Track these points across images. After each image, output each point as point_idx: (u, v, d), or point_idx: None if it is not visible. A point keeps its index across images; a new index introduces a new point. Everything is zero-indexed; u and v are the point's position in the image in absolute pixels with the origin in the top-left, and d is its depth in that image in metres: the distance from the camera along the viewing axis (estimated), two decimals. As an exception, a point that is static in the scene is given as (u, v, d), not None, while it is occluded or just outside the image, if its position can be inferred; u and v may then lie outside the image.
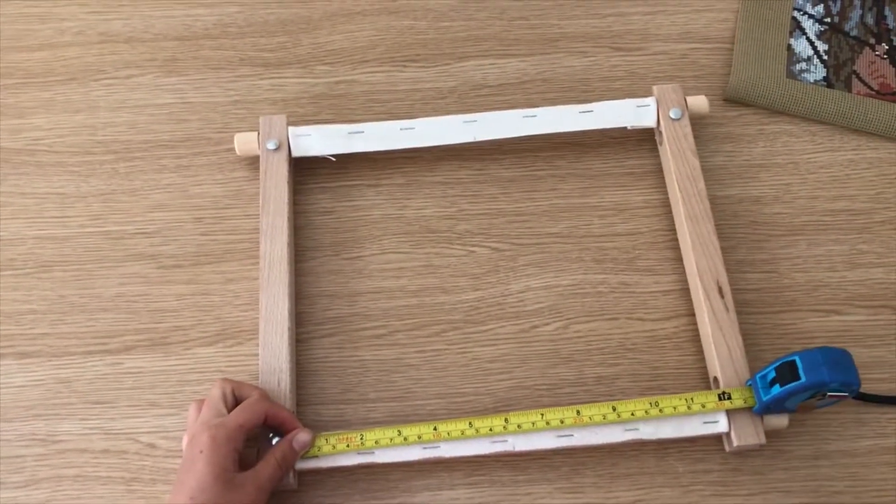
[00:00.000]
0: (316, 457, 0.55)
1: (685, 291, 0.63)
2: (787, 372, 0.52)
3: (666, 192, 0.66)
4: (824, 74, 0.70)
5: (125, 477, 0.57)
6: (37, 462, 0.58)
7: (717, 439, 0.58)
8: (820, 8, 0.73)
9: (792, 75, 0.70)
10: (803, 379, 0.51)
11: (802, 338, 0.61)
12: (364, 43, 0.72)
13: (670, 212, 0.65)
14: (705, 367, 0.60)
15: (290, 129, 0.64)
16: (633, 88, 0.70)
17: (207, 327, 0.62)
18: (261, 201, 0.62)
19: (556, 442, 0.55)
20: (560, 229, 0.65)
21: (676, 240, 0.64)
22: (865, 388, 0.59)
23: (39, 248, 0.64)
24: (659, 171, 0.67)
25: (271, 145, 0.64)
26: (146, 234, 0.65)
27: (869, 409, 0.59)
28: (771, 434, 0.57)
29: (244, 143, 0.65)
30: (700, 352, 0.61)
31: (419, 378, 0.60)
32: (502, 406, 0.59)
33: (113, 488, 0.57)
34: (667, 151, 0.64)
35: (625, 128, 0.65)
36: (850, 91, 0.69)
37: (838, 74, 0.70)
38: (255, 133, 0.65)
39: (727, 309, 0.59)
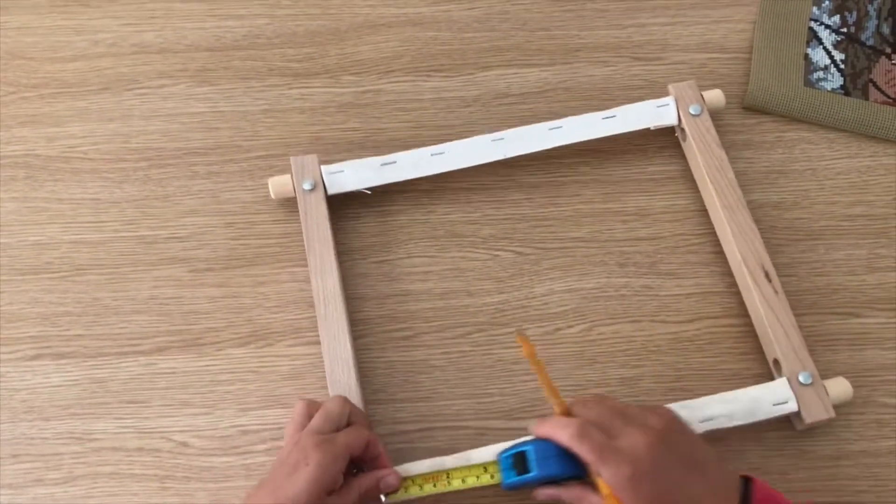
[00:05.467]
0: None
1: (706, 294, 0.64)
2: (518, 462, 0.52)
3: (687, 198, 0.67)
4: (841, 83, 0.71)
5: (158, 475, 0.59)
6: (74, 460, 0.59)
7: (741, 439, 0.59)
8: (836, 18, 0.74)
9: (809, 84, 0.71)
10: (534, 472, 0.51)
11: (822, 340, 0.62)
12: (389, 53, 0.74)
13: (691, 217, 0.66)
14: (728, 368, 0.61)
15: (323, 167, 0.65)
16: (653, 97, 0.71)
17: (239, 329, 0.63)
18: (305, 242, 0.63)
19: None
20: (583, 234, 0.66)
21: (697, 244, 0.65)
22: (885, 391, 0.60)
23: (75, 251, 0.66)
24: (680, 177, 0.68)
25: (307, 185, 0.64)
26: (178, 239, 0.66)
27: (890, 410, 0.60)
28: (794, 435, 0.58)
29: (279, 185, 0.65)
30: (722, 353, 0.62)
31: (445, 379, 0.62)
32: (528, 406, 0.60)
33: (147, 485, 0.58)
34: (692, 147, 0.66)
35: (648, 129, 0.67)
36: (867, 99, 0.70)
37: (855, 83, 0.71)
38: (289, 176, 0.65)
39: (776, 291, 0.60)
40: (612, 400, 0.53)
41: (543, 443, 0.51)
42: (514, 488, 0.54)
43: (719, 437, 0.58)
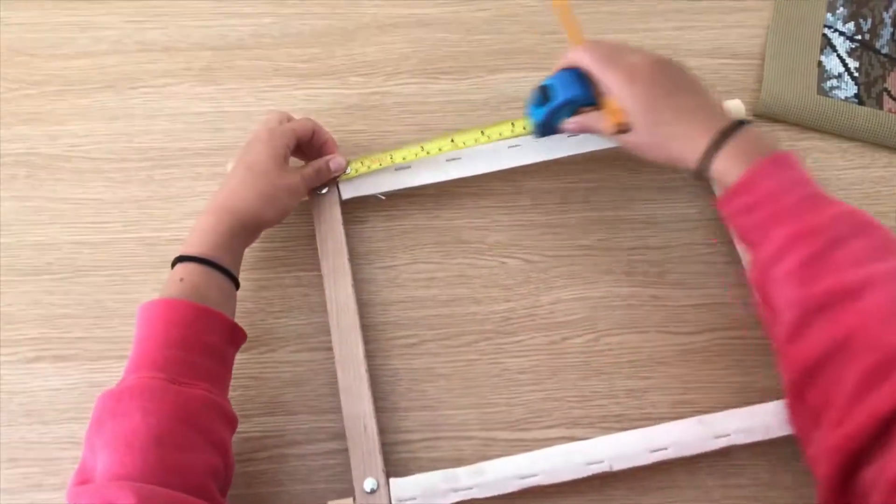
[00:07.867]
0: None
1: (715, 306, 0.63)
2: (543, 98, 0.59)
3: (697, 206, 0.66)
4: (855, 91, 0.70)
5: (159, 481, 0.58)
6: (73, 465, 0.57)
7: (749, 454, 0.58)
8: (851, 25, 0.73)
9: (823, 92, 0.70)
10: (560, 97, 0.58)
11: (833, 354, 0.61)
12: (397, 55, 0.73)
13: (701, 226, 0.65)
14: (736, 381, 0.60)
15: None
16: (664, 103, 0.71)
17: (241, 334, 0.62)
18: (318, 246, 0.62)
19: (651, 457, 0.55)
20: (591, 242, 0.65)
21: (706, 254, 0.65)
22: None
23: (76, 252, 0.65)
24: (690, 185, 0.67)
25: (321, 189, 0.64)
26: (181, 241, 0.64)
27: (901, 426, 0.59)
28: (802, 451, 0.57)
29: None
30: (730, 366, 0.61)
31: (450, 388, 0.61)
32: (534, 416, 0.60)
33: (147, 492, 0.57)
34: None
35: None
36: (881, 108, 0.69)
37: (869, 92, 0.70)
38: None
39: None
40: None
41: (562, 75, 0.59)
42: (543, 130, 0.61)
43: (724, 452, 0.57)
